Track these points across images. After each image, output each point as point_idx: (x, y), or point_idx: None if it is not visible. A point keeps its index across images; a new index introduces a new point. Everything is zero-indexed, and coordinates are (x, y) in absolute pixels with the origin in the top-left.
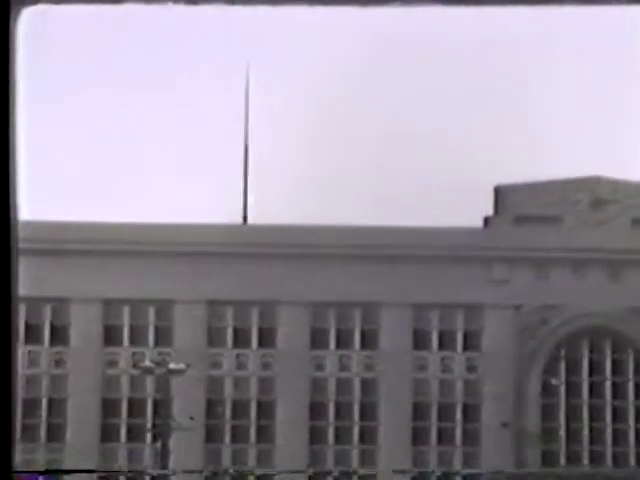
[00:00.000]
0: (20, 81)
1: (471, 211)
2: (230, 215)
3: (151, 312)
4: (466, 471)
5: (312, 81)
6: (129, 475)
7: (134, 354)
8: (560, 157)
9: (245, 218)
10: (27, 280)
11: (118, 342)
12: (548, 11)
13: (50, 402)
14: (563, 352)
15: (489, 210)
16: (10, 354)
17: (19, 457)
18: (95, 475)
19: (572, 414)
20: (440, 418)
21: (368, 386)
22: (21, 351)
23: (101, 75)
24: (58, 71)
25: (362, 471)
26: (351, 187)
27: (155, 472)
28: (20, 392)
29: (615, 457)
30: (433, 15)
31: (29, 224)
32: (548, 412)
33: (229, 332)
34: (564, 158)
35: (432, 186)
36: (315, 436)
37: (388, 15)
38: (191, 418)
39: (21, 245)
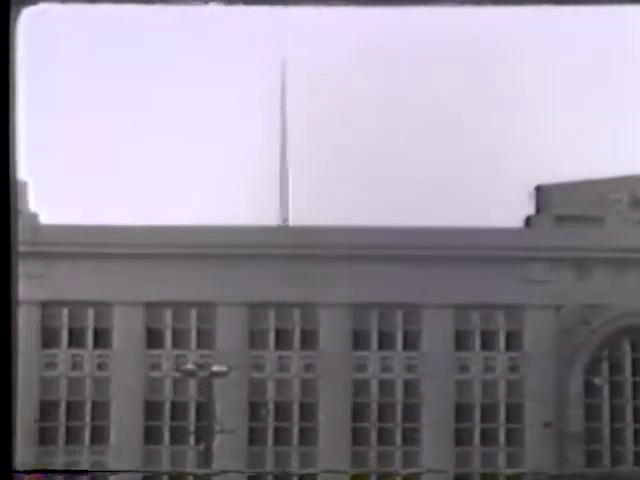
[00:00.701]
0: (20, 81)
1: (512, 211)
2: (269, 217)
3: (193, 315)
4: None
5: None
6: (147, 475)
7: (177, 357)
8: (595, 156)
9: (285, 219)
10: (70, 284)
11: (161, 345)
12: (550, 10)
13: (94, 405)
14: (605, 352)
15: (529, 210)
16: (10, 355)
17: (64, 459)
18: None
19: (615, 414)
20: (483, 419)
21: (410, 387)
22: (65, 355)
23: (101, 75)
24: (58, 71)
25: (404, 472)
26: (388, 187)
27: (170, 471)
28: (64, 395)
29: None
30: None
31: (74, 228)
32: (591, 412)
33: (271, 334)
34: (600, 157)
35: (470, 186)
36: (358, 438)
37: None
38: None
39: (63, 249)
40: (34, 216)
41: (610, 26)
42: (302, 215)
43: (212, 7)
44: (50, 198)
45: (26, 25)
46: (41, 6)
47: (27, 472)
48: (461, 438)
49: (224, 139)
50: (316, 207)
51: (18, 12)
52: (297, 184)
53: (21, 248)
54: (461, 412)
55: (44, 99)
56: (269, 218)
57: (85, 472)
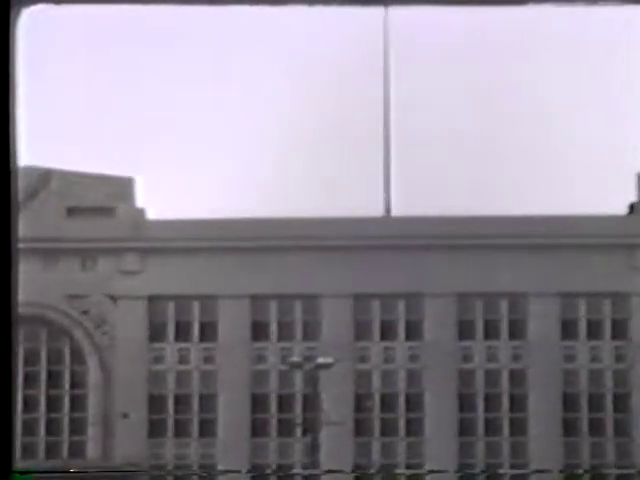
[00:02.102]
0: (20, 81)
1: (614, 198)
2: (372, 207)
3: (298, 307)
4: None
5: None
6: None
7: (282, 349)
8: None
9: (388, 210)
10: (176, 278)
11: (266, 337)
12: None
13: (201, 398)
14: None
15: (632, 197)
16: (10, 355)
17: (173, 452)
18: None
19: None
20: (590, 409)
21: (517, 377)
22: (172, 348)
23: (102, 75)
24: (58, 71)
25: (511, 471)
26: (496, 175)
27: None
28: (172, 388)
29: None
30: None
31: (179, 223)
32: None
33: (376, 325)
34: None
35: (573, 174)
36: (464, 429)
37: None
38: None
39: (169, 244)
40: (141, 212)
41: None
42: (405, 205)
43: (212, 7)
44: (157, 194)
45: (26, 25)
46: (41, 6)
47: (27, 472)
48: (569, 429)
49: (323, 130)
50: (418, 197)
51: (18, 12)
52: (400, 174)
53: (127, 244)
54: (568, 402)
55: (44, 99)
56: (372, 209)
57: (85, 472)
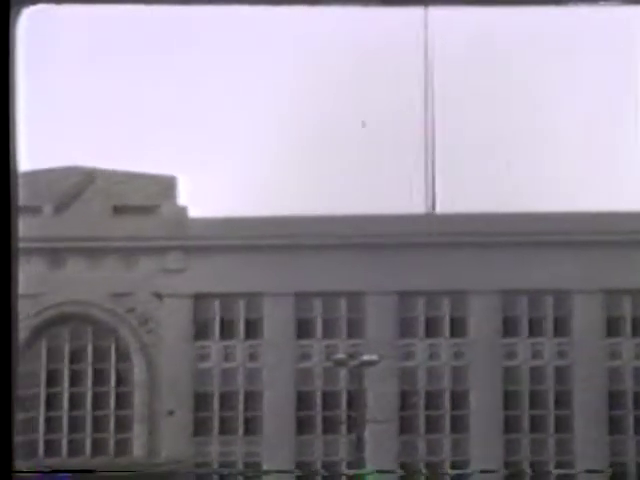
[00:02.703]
0: (20, 81)
1: None
2: (416, 205)
3: (342, 304)
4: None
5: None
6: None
7: (327, 347)
8: None
9: (432, 207)
10: (221, 276)
11: (311, 335)
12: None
13: (246, 395)
14: None
15: None
16: (10, 355)
17: (219, 449)
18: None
19: None
20: (636, 406)
21: (561, 374)
22: (217, 346)
23: (102, 75)
24: (58, 71)
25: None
26: (538, 172)
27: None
28: (217, 386)
29: None
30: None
31: (222, 221)
32: None
33: (421, 322)
34: None
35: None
36: (509, 426)
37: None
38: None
39: (213, 242)
40: (184, 210)
41: None
42: (449, 202)
43: (213, 7)
44: (200, 192)
45: (26, 25)
46: (41, 6)
47: (27, 472)
48: (615, 426)
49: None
50: (462, 194)
51: (18, 12)
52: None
53: (171, 242)
54: (614, 399)
55: (44, 99)
56: (415, 206)
57: (87, 472)
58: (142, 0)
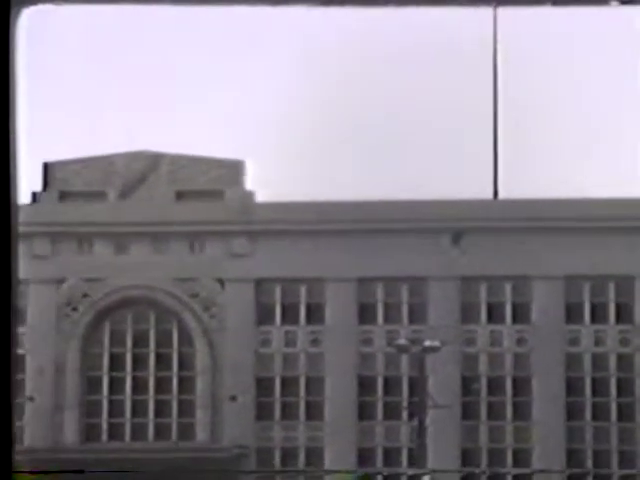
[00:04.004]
0: (20, 81)
1: None
2: (480, 190)
3: (404, 289)
4: None
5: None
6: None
7: (388, 332)
8: None
9: (496, 192)
10: (283, 261)
11: (373, 320)
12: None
13: (308, 381)
14: None
15: None
16: (10, 356)
17: (281, 434)
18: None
19: None
20: None
21: (624, 362)
22: (279, 331)
23: (102, 75)
24: (58, 71)
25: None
26: (600, 158)
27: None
28: (279, 371)
29: None
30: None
31: (287, 205)
32: None
33: (483, 308)
34: None
35: None
36: (572, 413)
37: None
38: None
39: (276, 227)
40: (249, 195)
41: None
42: (512, 188)
43: (213, 7)
44: (266, 176)
45: (26, 25)
46: (41, 6)
47: (27, 472)
48: None
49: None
50: (525, 180)
51: (18, 12)
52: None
53: (236, 227)
54: None
55: (44, 99)
56: (480, 192)
57: (85, 472)
58: (142, 0)
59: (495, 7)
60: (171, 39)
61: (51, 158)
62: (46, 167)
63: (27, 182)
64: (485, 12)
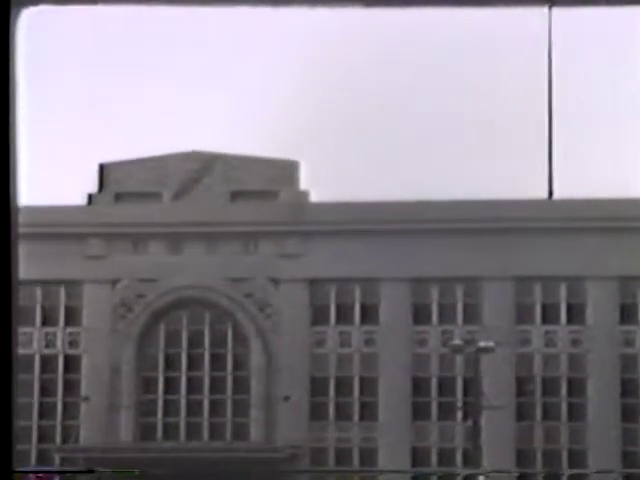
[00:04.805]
0: (20, 81)
1: None
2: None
3: (459, 290)
4: None
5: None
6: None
7: (443, 333)
8: None
9: (550, 192)
10: (338, 262)
11: (427, 321)
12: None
13: (362, 381)
14: None
15: None
16: (10, 356)
17: (334, 435)
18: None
19: None
20: None
21: None
22: (333, 332)
23: (102, 75)
24: (58, 71)
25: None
26: None
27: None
28: (333, 371)
29: None
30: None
31: (337, 205)
32: None
33: (537, 308)
34: None
35: None
36: (626, 415)
37: None
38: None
39: (329, 227)
40: (304, 195)
41: None
42: (568, 188)
43: (213, 7)
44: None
45: (26, 25)
46: (41, 6)
47: (27, 472)
48: None
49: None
50: (579, 180)
51: (18, 12)
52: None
53: (290, 227)
54: None
55: (44, 99)
56: (534, 192)
57: (87, 472)
58: (142, 0)
59: (550, 6)
60: (173, 39)
61: (107, 159)
62: (102, 168)
63: (83, 184)
64: (539, 11)
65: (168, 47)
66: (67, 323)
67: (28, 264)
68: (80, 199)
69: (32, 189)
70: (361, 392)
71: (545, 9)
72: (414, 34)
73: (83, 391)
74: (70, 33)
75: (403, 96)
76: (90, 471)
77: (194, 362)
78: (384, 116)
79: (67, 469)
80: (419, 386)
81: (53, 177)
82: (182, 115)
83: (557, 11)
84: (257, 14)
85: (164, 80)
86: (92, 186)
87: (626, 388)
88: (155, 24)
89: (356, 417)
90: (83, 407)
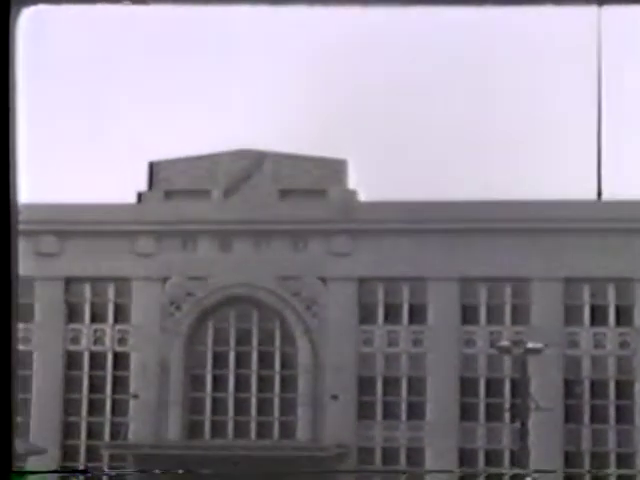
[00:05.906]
0: (20, 81)
1: None
2: (584, 191)
3: (507, 290)
4: None
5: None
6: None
7: (491, 333)
8: None
9: (599, 193)
10: (386, 261)
11: (475, 321)
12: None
13: (410, 380)
14: None
15: None
16: (10, 357)
17: (382, 434)
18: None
19: None
20: None
21: None
22: (380, 331)
23: (102, 75)
24: (58, 71)
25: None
26: None
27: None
28: (381, 371)
29: None
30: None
31: (384, 205)
32: None
33: (586, 310)
34: None
35: None
36: None
37: None
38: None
39: (376, 226)
40: (352, 194)
41: None
42: (615, 189)
43: (213, 7)
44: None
45: (26, 25)
46: (41, 6)
47: (27, 473)
48: None
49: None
50: (630, 180)
51: (18, 12)
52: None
53: (338, 226)
54: None
55: (44, 99)
56: (584, 193)
57: (85, 472)
58: (142, 0)
59: (600, 5)
60: (173, 39)
61: (157, 157)
62: (151, 167)
63: (132, 182)
64: (589, 10)
65: (172, 47)
66: (116, 320)
67: (80, 261)
68: (127, 198)
69: (77, 188)
70: (409, 392)
71: (595, 8)
72: (456, 32)
73: (132, 388)
74: (70, 33)
75: (449, 95)
76: (84, 471)
77: (242, 360)
78: (431, 116)
79: (66, 470)
80: (467, 387)
81: (95, 177)
82: (226, 114)
83: (607, 10)
84: (288, 11)
85: (180, 81)
86: (140, 185)
87: None
88: (154, 24)
89: (403, 417)
90: (132, 404)
